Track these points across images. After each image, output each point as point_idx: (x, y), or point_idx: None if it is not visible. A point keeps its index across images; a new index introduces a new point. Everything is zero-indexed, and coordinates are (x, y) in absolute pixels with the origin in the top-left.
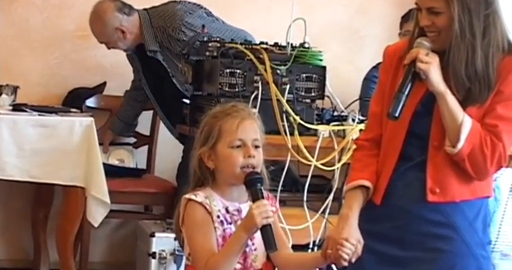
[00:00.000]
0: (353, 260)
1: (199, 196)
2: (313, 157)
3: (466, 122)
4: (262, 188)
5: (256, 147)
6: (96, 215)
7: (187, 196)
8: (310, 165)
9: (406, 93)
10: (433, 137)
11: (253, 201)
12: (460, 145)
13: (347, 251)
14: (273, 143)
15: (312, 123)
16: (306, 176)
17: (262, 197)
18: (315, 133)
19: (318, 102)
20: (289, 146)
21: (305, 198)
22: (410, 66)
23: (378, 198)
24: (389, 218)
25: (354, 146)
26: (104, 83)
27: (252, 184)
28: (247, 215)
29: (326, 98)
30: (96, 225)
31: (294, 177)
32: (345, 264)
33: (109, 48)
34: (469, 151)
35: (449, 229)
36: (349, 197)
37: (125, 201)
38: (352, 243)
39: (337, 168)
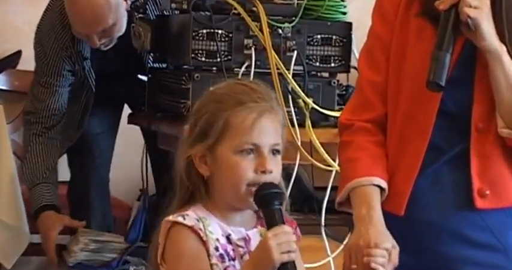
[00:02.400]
0: None
1: (189, 218)
2: (334, 160)
3: None
4: (281, 208)
5: (274, 153)
6: (8, 251)
7: (171, 218)
8: (330, 172)
9: (450, 51)
10: (476, 117)
11: (269, 227)
12: None
13: (380, 261)
14: None
15: (332, 109)
16: (324, 189)
17: (283, 222)
18: (336, 124)
19: (341, 77)
20: (298, 143)
21: (323, 222)
22: (449, 13)
23: (400, 207)
24: (414, 237)
25: (341, 127)
26: (19, 52)
27: (268, 202)
28: (259, 248)
29: (353, 71)
30: (8, 267)
31: (306, 191)
32: None
33: (101, 44)
34: None
35: (499, 254)
36: (364, 194)
37: None
38: (386, 248)
39: None
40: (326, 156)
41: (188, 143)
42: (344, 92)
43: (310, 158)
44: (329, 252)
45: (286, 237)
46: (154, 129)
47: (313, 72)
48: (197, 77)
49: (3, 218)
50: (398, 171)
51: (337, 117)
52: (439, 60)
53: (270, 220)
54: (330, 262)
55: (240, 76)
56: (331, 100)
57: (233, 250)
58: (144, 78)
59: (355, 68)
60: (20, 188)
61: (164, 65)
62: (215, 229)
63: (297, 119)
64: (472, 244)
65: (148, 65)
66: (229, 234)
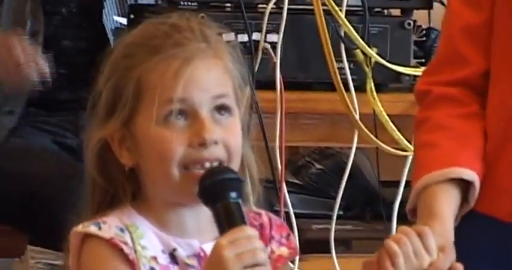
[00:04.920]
0: None
1: (107, 227)
2: (410, 141)
3: None
4: (239, 200)
5: (222, 113)
6: None
7: (80, 228)
8: (403, 159)
9: None
10: None
11: (223, 230)
12: None
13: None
14: (318, 110)
15: (407, 65)
16: (395, 184)
17: (244, 222)
18: (413, 86)
19: (419, 15)
20: (356, 116)
21: (394, 234)
22: None
23: (509, 211)
24: None
25: (417, 96)
26: None
27: (218, 194)
28: (210, 261)
29: (437, 6)
30: None
31: (368, 188)
32: None
33: None
34: None
35: None
36: (430, 199)
37: None
38: (450, 256)
39: None
40: (398, 135)
41: (97, 124)
42: (424, 38)
43: (374, 138)
44: None
45: (249, 245)
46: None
47: (377, 9)
48: (202, 17)
49: None
50: (505, 158)
51: (413, 77)
52: None
53: (224, 220)
54: None
55: (266, 15)
56: (405, 51)
57: None
58: (122, 20)
59: (441, 2)
60: None
61: (151, 1)
62: (151, 242)
63: (353, 81)
64: None
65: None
66: (174, 250)
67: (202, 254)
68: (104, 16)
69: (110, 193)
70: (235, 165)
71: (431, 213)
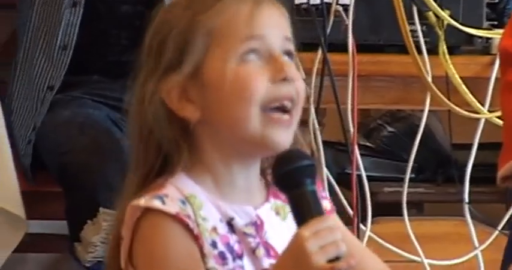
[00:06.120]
0: None
1: (170, 200)
2: (483, 104)
3: None
4: (315, 187)
5: (289, 56)
6: None
7: (142, 202)
8: (476, 122)
9: None
10: None
11: (302, 220)
12: None
13: None
14: (390, 73)
15: (480, 27)
16: (468, 147)
17: (322, 211)
18: (487, 51)
19: None
20: (428, 78)
21: (466, 197)
22: None
23: None
24: None
25: (504, 57)
26: None
27: (296, 181)
28: (290, 254)
29: None
30: None
31: (441, 151)
32: None
33: None
34: None
35: None
36: None
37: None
38: None
39: None
40: (471, 97)
41: (155, 78)
42: (496, 0)
43: (446, 101)
44: (476, 243)
45: (331, 236)
46: None
47: None
48: None
49: None
50: None
51: (486, 39)
52: None
53: (302, 209)
54: (477, 256)
55: None
56: (478, 13)
57: (239, 243)
58: None
59: None
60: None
61: None
62: (210, 212)
63: (425, 43)
64: None
65: None
66: (232, 219)
67: (258, 221)
68: None
69: (162, 155)
70: (300, 108)
71: None
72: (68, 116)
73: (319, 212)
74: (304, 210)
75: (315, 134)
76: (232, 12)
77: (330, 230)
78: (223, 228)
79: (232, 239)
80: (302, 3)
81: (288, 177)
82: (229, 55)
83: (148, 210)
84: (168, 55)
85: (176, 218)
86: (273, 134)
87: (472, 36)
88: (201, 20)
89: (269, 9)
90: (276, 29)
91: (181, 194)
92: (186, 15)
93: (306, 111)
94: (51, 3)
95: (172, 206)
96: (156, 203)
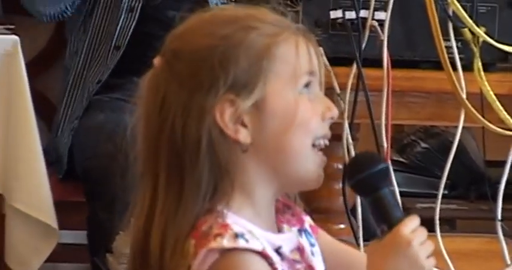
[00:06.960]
0: None
1: (249, 236)
2: None
3: None
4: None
5: None
6: (29, 254)
7: (225, 243)
8: (511, 137)
9: None
10: None
11: (390, 222)
12: None
13: None
14: (424, 89)
15: None
16: (501, 164)
17: (402, 211)
18: None
19: None
20: (463, 95)
21: (499, 214)
22: None
23: None
24: None
25: None
26: None
27: (377, 185)
28: (399, 250)
29: None
30: None
31: (474, 167)
32: None
33: None
34: None
35: None
36: None
37: None
38: None
39: None
40: (505, 114)
41: (212, 94)
42: None
43: (480, 117)
44: (508, 260)
45: (425, 233)
46: None
47: None
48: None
49: (22, 208)
50: None
51: None
52: None
53: (388, 211)
54: None
55: None
56: None
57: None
58: None
59: None
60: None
61: None
62: (266, 244)
63: (460, 59)
64: None
65: None
66: (280, 247)
67: (301, 246)
68: None
69: (212, 183)
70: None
71: None
72: (100, 121)
73: (402, 211)
74: (390, 212)
75: (348, 148)
76: (294, 43)
77: (422, 228)
78: (275, 258)
79: (284, 267)
80: (338, 18)
81: (367, 182)
82: (290, 86)
83: (227, 251)
84: (237, 73)
85: (262, 255)
86: (321, 173)
87: (507, 53)
88: (272, 47)
89: (315, 46)
90: (321, 65)
91: (245, 229)
92: (261, 39)
93: (339, 125)
94: (111, 9)
95: (255, 243)
96: (242, 242)
